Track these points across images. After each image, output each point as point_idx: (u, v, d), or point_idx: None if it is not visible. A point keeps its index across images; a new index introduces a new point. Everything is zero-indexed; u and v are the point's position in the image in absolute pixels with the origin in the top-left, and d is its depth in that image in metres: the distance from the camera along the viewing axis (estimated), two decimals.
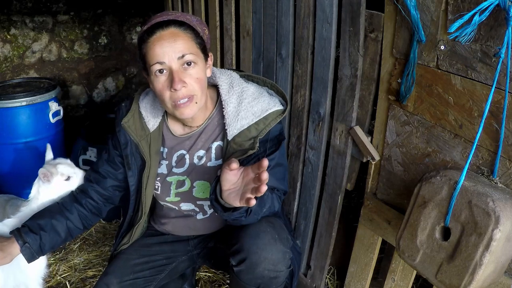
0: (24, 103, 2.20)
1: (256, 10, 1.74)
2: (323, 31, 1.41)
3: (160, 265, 1.53)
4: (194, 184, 1.42)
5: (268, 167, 1.27)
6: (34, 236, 1.33)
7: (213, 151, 1.39)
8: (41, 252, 1.36)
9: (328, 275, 1.81)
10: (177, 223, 1.55)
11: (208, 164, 1.39)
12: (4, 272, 1.34)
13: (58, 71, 3.00)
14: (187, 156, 1.41)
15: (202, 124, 1.39)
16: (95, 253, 2.12)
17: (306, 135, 1.62)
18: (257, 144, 1.28)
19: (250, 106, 1.31)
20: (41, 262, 1.47)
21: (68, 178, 1.51)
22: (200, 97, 1.27)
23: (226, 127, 1.33)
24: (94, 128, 2.56)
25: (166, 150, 1.44)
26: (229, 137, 1.32)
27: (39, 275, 1.47)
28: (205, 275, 1.95)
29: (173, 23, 1.23)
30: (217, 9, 2.05)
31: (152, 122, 1.40)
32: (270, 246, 1.20)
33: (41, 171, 1.48)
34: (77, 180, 1.52)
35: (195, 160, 1.41)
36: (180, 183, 1.43)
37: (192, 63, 1.23)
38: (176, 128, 1.43)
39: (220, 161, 1.38)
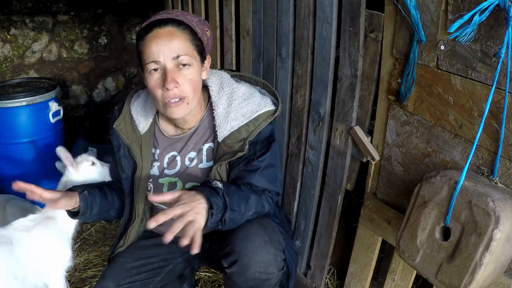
0: (24, 103, 2.21)
1: (256, 10, 1.74)
2: (323, 31, 1.41)
3: (157, 267, 1.52)
4: (185, 186, 1.41)
5: (259, 168, 1.29)
6: (89, 190, 1.40)
7: (204, 152, 1.38)
8: (91, 208, 1.39)
9: (328, 275, 1.81)
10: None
11: (200, 166, 1.39)
12: (5, 275, 1.33)
13: (58, 71, 3.00)
14: (178, 158, 1.41)
15: (194, 126, 1.39)
16: (95, 253, 2.12)
17: (306, 135, 1.62)
18: (247, 146, 1.28)
19: (240, 107, 1.31)
20: (66, 252, 1.49)
21: (93, 163, 1.60)
22: (192, 99, 1.27)
23: (216, 129, 1.32)
24: (94, 128, 2.56)
25: (158, 151, 1.43)
26: (219, 139, 1.32)
27: (62, 267, 1.48)
28: (205, 275, 1.95)
29: (171, 22, 1.22)
30: (217, 9, 2.06)
31: (143, 124, 1.40)
32: (261, 249, 1.20)
33: (63, 154, 1.53)
34: (100, 167, 1.61)
35: (187, 162, 1.40)
36: (172, 185, 1.42)
37: (187, 65, 1.22)
38: (168, 129, 1.43)
39: (211, 163, 1.37)
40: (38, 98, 2.24)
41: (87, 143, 2.38)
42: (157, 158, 1.44)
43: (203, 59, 1.29)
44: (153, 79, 1.23)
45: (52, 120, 2.33)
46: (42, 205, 2.11)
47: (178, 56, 1.20)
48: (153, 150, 1.44)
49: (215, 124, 1.34)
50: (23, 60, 2.85)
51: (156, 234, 1.60)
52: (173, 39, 1.20)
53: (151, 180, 1.44)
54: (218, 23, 2.08)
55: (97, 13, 3.03)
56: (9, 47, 2.77)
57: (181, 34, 1.22)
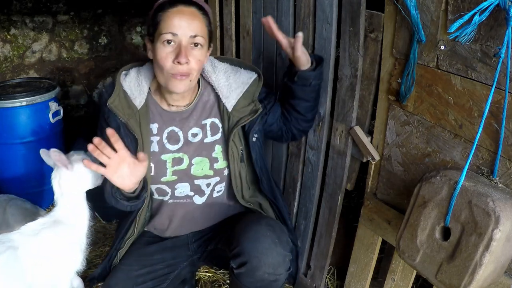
0: (24, 103, 2.20)
1: (256, 10, 1.74)
2: (323, 31, 1.41)
3: (162, 274, 1.50)
4: (192, 162, 1.42)
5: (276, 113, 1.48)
6: None
7: (208, 127, 1.44)
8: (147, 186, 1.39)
9: (328, 275, 1.81)
10: (177, 219, 1.53)
11: (205, 140, 1.43)
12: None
13: (58, 71, 3.00)
14: (180, 133, 1.43)
15: (192, 103, 1.43)
16: (95, 253, 2.11)
17: (306, 135, 1.62)
18: (259, 104, 1.41)
19: (237, 77, 1.44)
20: (75, 256, 1.45)
21: None
22: (195, 78, 1.34)
23: (223, 101, 1.41)
24: (94, 128, 2.56)
25: (156, 125, 1.43)
26: (229, 108, 1.40)
27: (71, 271, 1.43)
28: (205, 275, 1.95)
29: (194, 5, 1.30)
30: (217, 9, 2.05)
31: (139, 98, 1.39)
32: (271, 251, 1.22)
33: (53, 154, 1.40)
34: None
35: (190, 137, 1.43)
36: (177, 161, 1.42)
37: (199, 45, 1.29)
38: (163, 104, 1.44)
39: (216, 136, 1.44)
40: (38, 98, 2.24)
41: (87, 143, 2.37)
42: (155, 133, 1.43)
43: (209, 46, 1.37)
44: (165, 51, 1.27)
45: (52, 120, 2.33)
46: (42, 206, 2.11)
47: (195, 36, 1.27)
48: (151, 125, 1.43)
49: (216, 99, 1.44)
50: (23, 60, 2.85)
51: (159, 239, 1.57)
52: (194, 19, 1.28)
53: (151, 158, 1.41)
54: (218, 23, 2.08)
55: (97, 13, 3.03)
56: (9, 47, 2.77)
57: (202, 18, 1.31)
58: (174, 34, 1.25)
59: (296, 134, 1.53)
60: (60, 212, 1.43)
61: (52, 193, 1.47)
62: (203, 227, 1.56)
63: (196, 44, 1.28)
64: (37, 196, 2.33)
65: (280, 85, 1.56)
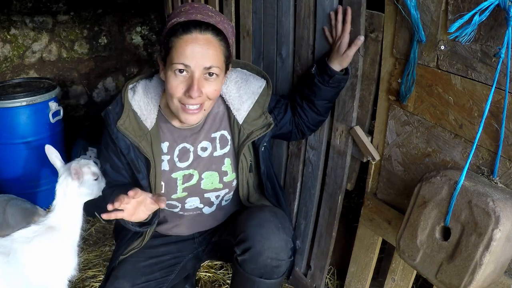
0: (24, 103, 2.21)
1: (256, 10, 1.74)
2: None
3: (169, 265, 1.51)
4: (202, 176, 1.41)
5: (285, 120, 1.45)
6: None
7: (218, 141, 1.40)
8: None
9: (328, 275, 1.81)
10: (186, 224, 1.53)
11: (214, 154, 1.41)
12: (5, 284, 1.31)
13: (58, 71, 3.00)
14: (191, 149, 1.39)
15: (201, 120, 1.38)
16: (95, 253, 2.12)
17: None
18: (270, 117, 1.38)
19: (247, 87, 1.38)
20: (69, 262, 1.44)
21: (97, 178, 1.49)
22: (209, 107, 1.28)
23: (233, 113, 1.37)
24: (94, 128, 2.56)
25: (167, 144, 1.38)
26: (240, 121, 1.37)
27: (64, 278, 1.43)
28: (205, 275, 1.95)
29: (211, 29, 1.20)
30: (217, 9, 2.05)
31: (150, 119, 1.34)
32: (273, 235, 1.24)
33: (73, 167, 1.41)
34: (102, 182, 1.50)
35: (199, 152, 1.40)
36: (187, 177, 1.40)
37: (215, 75, 1.21)
38: (173, 121, 1.38)
39: (225, 149, 1.41)
40: (38, 98, 2.24)
41: (87, 143, 2.38)
42: (166, 151, 1.38)
43: (227, 69, 1.29)
44: (177, 80, 1.20)
45: (52, 120, 2.33)
46: (42, 206, 2.11)
47: (210, 67, 1.19)
48: (161, 144, 1.38)
49: (226, 111, 1.39)
50: (23, 60, 2.85)
51: (162, 235, 1.58)
52: (209, 49, 1.18)
53: (161, 176, 1.38)
54: None
55: (97, 13, 3.03)
56: (9, 47, 2.77)
57: (218, 45, 1.21)
58: (186, 65, 1.17)
59: (307, 134, 1.53)
60: (56, 218, 1.43)
61: (51, 194, 1.48)
62: (209, 227, 1.57)
63: (211, 74, 1.20)
64: (37, 196, 2.33)
65: (300, 85, 1.52)
